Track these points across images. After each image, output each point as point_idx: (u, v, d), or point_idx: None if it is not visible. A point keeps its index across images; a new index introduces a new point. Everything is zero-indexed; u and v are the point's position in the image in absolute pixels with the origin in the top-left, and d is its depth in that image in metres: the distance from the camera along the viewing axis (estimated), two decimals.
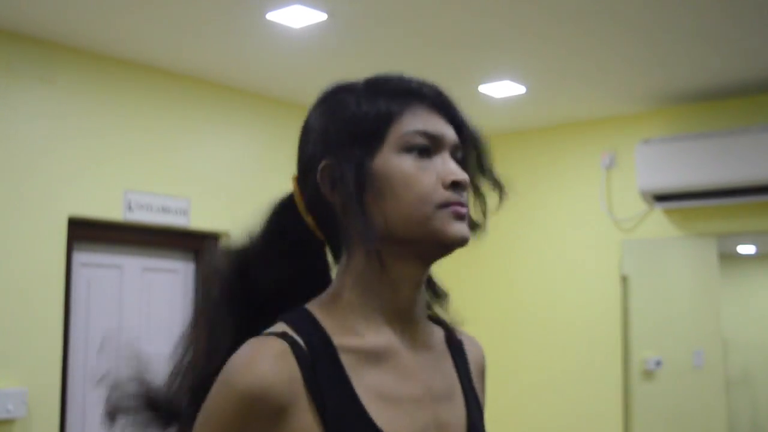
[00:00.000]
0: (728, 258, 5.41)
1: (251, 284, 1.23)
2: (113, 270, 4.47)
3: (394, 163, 1.16)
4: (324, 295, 1.20)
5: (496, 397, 5.75)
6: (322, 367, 1.11)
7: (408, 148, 1.17)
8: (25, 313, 3.95)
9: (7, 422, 3.87)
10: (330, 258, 1.28)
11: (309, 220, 1.23)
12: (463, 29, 4.02)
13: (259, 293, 1.23)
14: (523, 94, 4.99)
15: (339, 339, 1.14)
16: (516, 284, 5.69)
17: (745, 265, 5.77)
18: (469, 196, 1.21)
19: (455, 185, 1.17)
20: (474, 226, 1.23)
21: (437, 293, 1.30)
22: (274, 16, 3.84)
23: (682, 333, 5.36)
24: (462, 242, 1.17)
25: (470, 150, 1.24)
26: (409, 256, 1.17)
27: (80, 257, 4.32)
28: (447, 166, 1.17)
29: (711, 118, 5.05)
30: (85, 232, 4.28)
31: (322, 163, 1.18)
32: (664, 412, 5.27)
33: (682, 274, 5.51)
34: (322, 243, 1.26)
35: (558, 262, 5.57)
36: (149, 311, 4.57)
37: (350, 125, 1.18)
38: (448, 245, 1.16)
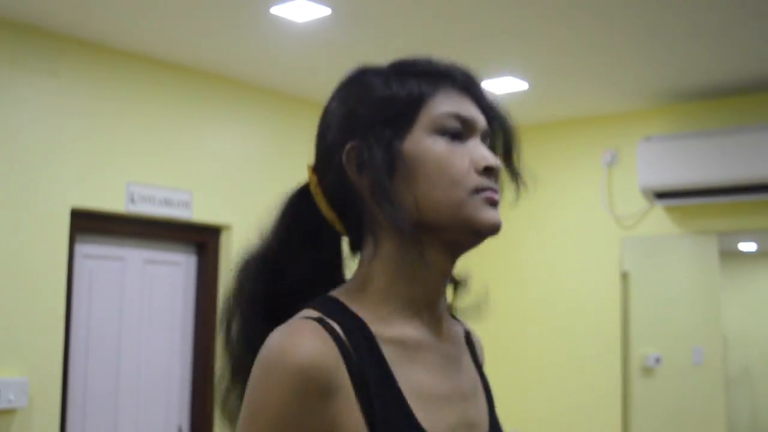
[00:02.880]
0: (729, 255, 5.41)
1: (271, 278, 1.19)
2: (115, 262, 4.48)
3: (426, 144, 1.12)
4: (349, 284, 1.16)
5: (496, 393, 5.76)
6: (362, 354, 1.05)
7: (440, 131, 1.12)
8: (27, 303, 3.97)
9: (8, 412, 3.88)
10: (346, 252, 1.24)
11: (326, 209, 1.18)
12: (466, 24, 4.03)
13: (279, 287, 1.19)
14: (525, 90, 5.00)
15: (374, 327, 1.09)
16: (516, 280, 5.69)
17: (746, 262, 5.77)
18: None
19: (488, 171, 1.13)
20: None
21: (456, 282, 1.26)
22: (278, 10, 3.85)
23: (682, 330, 5.37)
24: (495, 230, 1.13)
25: (498, 132, 1.21)
26: (438, 244, 1.13)
27: (83, 249, 4.33)
28: (480, 151, 1.14)
29: (713, 116, 5.05)
30: (88, 224, 4.30)
31: (349, 145, 1.13)
32: (664, 409, 5.28)
33: (682, 271, 5.51)
34: (338, 235, 1.21)
35: (558, 259, 5.58)
36: (151, 303, 4.59)
37: (379, 106, 1.13)
38: (480, 233, 1.12)
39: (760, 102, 4.93)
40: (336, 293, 1.14)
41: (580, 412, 5.38)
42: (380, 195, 1.10)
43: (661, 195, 5.07)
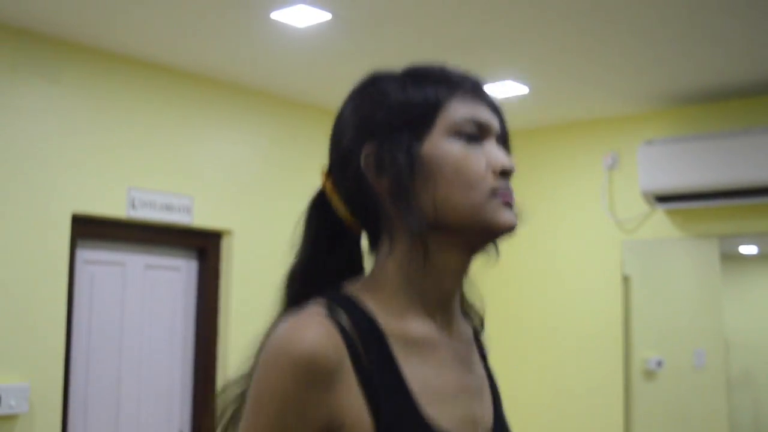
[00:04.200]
0: (730, 258, 5.41)
1: (309, 282, 1.21)
2: (116, 267, 4.48)
3: (445, 147, 1.14)
4: (364, 280, 1.18)
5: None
6: (369, 348, 1.08)
7: (457, 134, 1.15)
8: (28, 309, 3.97)
9: (9, 418, 3.88)
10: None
11: (343, 210, 1.21)
12: (466, 29, 4.03)
13: (315, 287, 1.19)
14: (526, 94, 5.00)
15: (384, 323, 1.12)
16: (517, 284, 5.69)
17: (747, 265, 5.77)
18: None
19: (504, 173, 1.16)
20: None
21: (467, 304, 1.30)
22: (278, 15, 3.85)
23: (683, 333, 5.37)
24: (512, 230, 1.16)
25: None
26: (454, 244, 1.16)
27: (83, 254, 4.33)
28: (495, 153, 1.17)
29: (714, 119, 5.05)
30: (89, 229, 4.30)
31: (368, 148, 1.15)
32: (665, 413, 5.28)
33: (683, 274, 5.51)
34: (357, 237, 1.24)
35: (560, 262, 5.58)
36: (151, 308, 4.59)
37: (397, 111, 1.16)
38: (498, 233, 1.16)
39: (761, 105, 4.93)
40: (350, 288, 1.16)
41: (582, 415, 5.37)
42: (400, 197, 1.13)
43: (662, 198, 5.06)
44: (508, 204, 1.16)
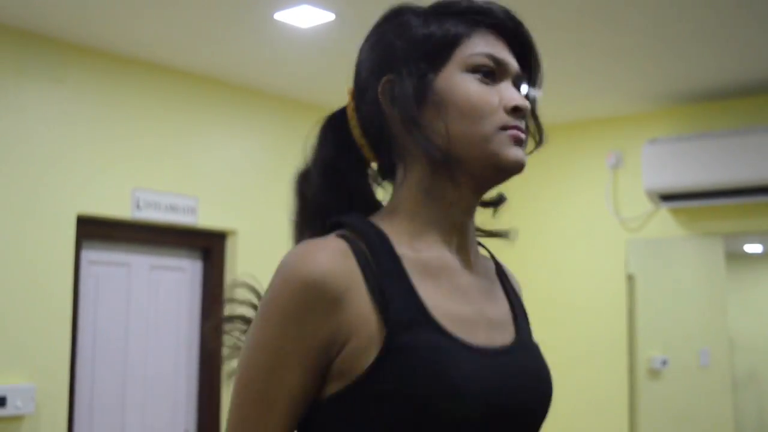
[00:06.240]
0: (735, 257, 5.41)
1: (311, 199, 1.25)
2: (121, 268, 4.49)
3: (458, 80, 1.17)
4: (382, 210, 1.22)
5: None
6: (384, 269, 1.10)
7: (473, 69, 1.17)
8: (33, 310, 3.98)
9: (15, 419, 3.89)
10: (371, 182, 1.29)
11: (358, 134, 1.23)
12: None
13: (317, 208, 1.24)
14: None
15: (401, 247, 1.14)
16: (521, 283, 5.68)
17: (752, 264, 5.76)
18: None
19: (516, 111, 1.17)
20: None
21: (494, 202, 1.30)
22: (281, 16, 3.85)
23: (688, 332, 5.36)
24: (518, 168, 1.17)
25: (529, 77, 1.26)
26: (463, 180, 1.18)
27: (88, 255, 4.34)
28: (509, 92, 1.19)
29: (718, 118, 5.05)
30: (94, 230, 4.31)
31: (385, 78, 1.19)
32: (670, 412, 5.27)
33: (688, 273, 5.51)
34: (365, 162, 1.26)
35: (564, 262, 5.58)
36: (156, 309, 4.60)
37: (416, 43, 1.19)
38: (504, 169, 1.17)
39: (764, 103, 4.92)
40: (370, 217, 1.20)
41: (587, 415, 5.37)
42: (409, 123, 1.16)
43: (667, 197, 5.06)
44: (518, 140, 1.17)
